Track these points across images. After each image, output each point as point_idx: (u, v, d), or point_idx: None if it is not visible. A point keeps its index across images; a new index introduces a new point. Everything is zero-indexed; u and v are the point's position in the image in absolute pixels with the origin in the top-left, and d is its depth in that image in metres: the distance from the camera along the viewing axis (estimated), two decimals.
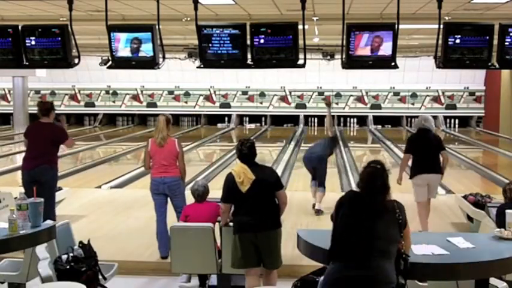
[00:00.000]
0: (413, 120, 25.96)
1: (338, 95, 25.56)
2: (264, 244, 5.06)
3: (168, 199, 6.69)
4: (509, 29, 5.94)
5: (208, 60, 6.26)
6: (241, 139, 5.36)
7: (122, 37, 6.28)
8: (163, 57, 6.45)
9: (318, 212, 8.67)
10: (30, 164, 6.84)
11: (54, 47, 6.30)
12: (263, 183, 5.12)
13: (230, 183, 5.14)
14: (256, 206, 5.10)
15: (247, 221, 5.08)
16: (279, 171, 11.02)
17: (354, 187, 10.17)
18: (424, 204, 7.44)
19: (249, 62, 6.20)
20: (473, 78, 24.92)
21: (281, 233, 5.26)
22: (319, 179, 8.93)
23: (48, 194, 6.35)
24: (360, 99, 25.63)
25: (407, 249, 3.79)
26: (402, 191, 6.67)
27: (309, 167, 9.18)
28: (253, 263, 5.16)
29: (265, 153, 16.62)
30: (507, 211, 4.57)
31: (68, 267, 4.63)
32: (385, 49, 5.97)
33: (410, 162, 7.65)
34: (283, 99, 25.84)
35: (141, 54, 6.29)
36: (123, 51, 6.30)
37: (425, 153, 7.42)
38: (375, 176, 3.75)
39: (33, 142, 6.90)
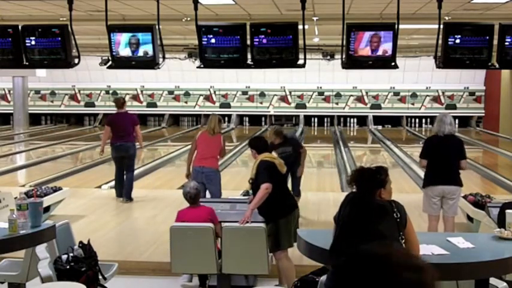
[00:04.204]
0: (413, 120, 26.03)
1: (338, 95, 25.54)
2: (296, 220, 5.58)
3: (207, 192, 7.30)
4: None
5: (208, 60, 6.26)
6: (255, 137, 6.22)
7: (122, 37, 6.28)
8: (163, 57, 6.45)
9: None
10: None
11: (54, 47, 6.30)
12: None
13: (272, 167, 5.53)
14: (287, 188, 5.85)
15: (291, 201, 5.67)
16: None
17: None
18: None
19: (249, 62, 6.19)
20: (473, 78, 24.89)
21: None
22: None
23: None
24: (360, 99, 25.61)
25: (414, 249, 3.77)
26: (402, 191, 6.69)
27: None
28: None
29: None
30: (507, 211, 4.56)
31: (68, 267, 4.62)
32: (385, 49, 5.98)
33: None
34: (283, 99, 25.83)
35: (141, 53, 6.30)
36: (123, 51, 6.30)
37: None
38: (361, 175, 3.81)
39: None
